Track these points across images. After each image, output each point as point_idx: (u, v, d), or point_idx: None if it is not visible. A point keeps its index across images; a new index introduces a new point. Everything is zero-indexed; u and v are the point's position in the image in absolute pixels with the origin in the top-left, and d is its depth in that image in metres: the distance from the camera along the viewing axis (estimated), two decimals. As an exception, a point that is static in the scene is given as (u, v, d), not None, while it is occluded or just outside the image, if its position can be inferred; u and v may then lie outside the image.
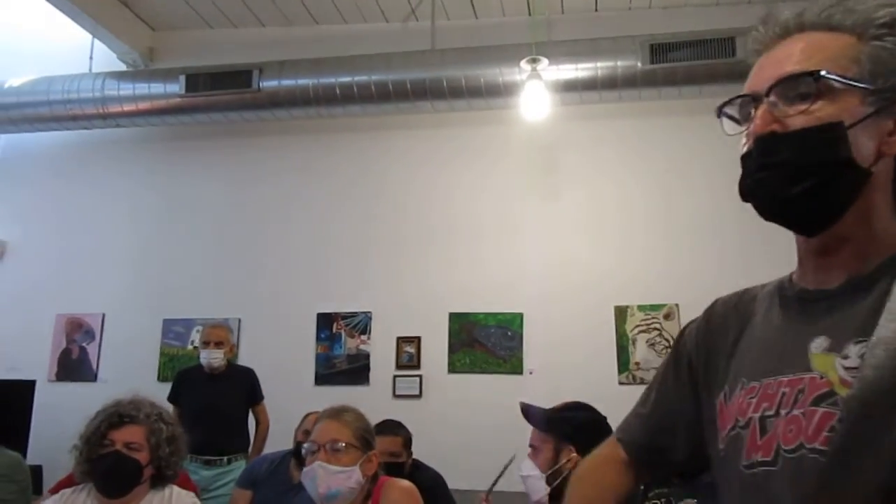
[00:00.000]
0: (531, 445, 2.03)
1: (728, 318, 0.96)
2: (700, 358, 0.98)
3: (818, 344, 0.80)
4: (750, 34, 0.90)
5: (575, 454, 1.95)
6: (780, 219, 0.85)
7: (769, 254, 4.52)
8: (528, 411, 2.07)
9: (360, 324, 4.96)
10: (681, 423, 1.00)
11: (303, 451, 2.01)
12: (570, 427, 2.00)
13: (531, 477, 1.98)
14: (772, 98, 0.82)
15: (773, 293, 0.92)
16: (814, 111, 0.79)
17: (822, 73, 0.79)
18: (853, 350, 0.76)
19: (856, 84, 0.79)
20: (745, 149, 0.86)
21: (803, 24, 0.85)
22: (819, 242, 0.84)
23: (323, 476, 1.89)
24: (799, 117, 0.80)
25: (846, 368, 0.75)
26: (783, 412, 0.79)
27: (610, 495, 1.06)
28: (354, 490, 1.93)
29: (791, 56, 0.82)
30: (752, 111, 0.84)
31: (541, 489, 1.95)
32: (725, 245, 4.56)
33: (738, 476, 0.83)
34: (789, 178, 0.80)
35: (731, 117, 0.89)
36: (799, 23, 0.85)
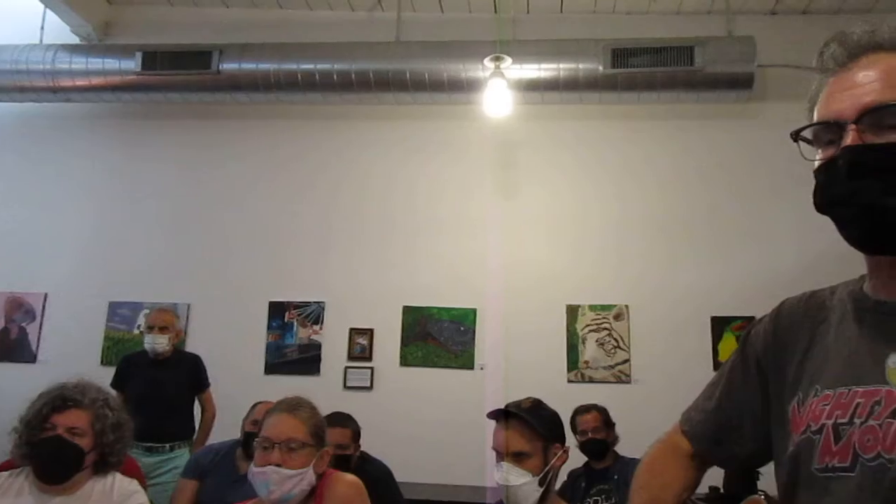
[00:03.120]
0: (519, 453, 1.91)
1: (796, 323, 0.97)
2: (769, 361, 0.99)
3: (895, 359, 0.82)
4: (820, 52, 0.89)
5: (562, 448, 1.96)
6: (866, 233, 0.84)
7: (718, 258, 4.64)
8: (513, 416, 2.00)
9: (313, 313, 4.93)
10: (747, 420, 1.02)
11: (254, 445, 1.92)
12: (554, 424, 2.00)
13: (525, 485, 1.89)
14: (861, 125, 0.82)
15: (846, 302, 0.93)
16: None
17: None
18: None
19: None
20: (824, 162, 0.86)
21: (878, 44, 0.85)
22: None
23: (276, 480, 1.80)
24: (892, 138, 0.81)
25: None
26: (857, 421, 0.82)
27: (675, 483, 1.09)
28: (306, 491, 1.88)
29: (872, 83, 0.82)
30: (835, 137, 0.85)
31: (534, 494, 1.91)
32: (676, 249, 4.67)
33: (808, 478, 0.86)
34: (882, 189, 0.80)
35: (807, 140, 0.89)
36: (873, 42, 0.85)
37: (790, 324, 0.98)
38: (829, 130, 0.86)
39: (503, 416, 1.97)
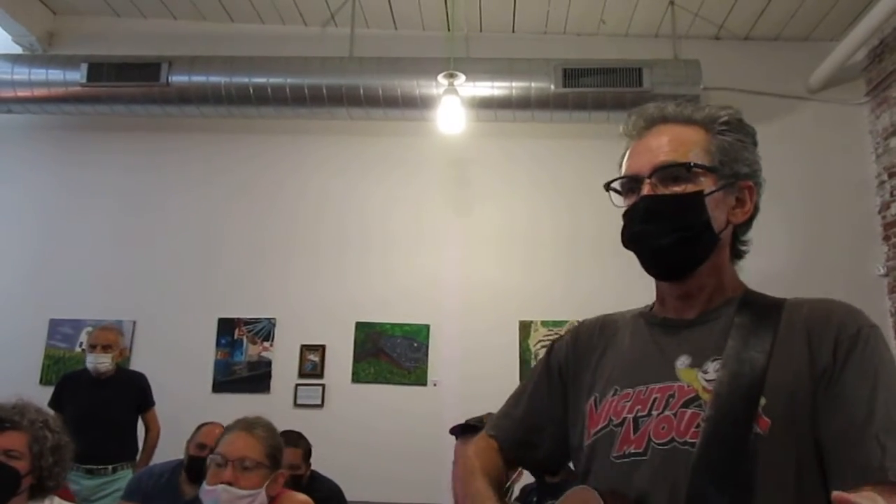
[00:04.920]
0: None
1: (592, 338, 1.16)
2: (569, 369, 1.16)
3: (682, 361, 1.01)
4: (624, 122, 1.11)
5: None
6: (653, 264, 1.07)
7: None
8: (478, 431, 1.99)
9: (263, 330, 4.85)
10: (549, 423, 1.16)
11: (207, 461, 1.89)
12: None
13: None
14: (653, 179, 1.04)
15: (637, 319, 1.14)
16: (685, 190, 1.03)
17: (692, 164, 1.03)
18: (710, 366, 0.98)
19: (711, 170, 1.03)
20: (627, 206, 1.08)
21: (666, 117, 1.08)
22: (683, 290, 1.07)
23: (226, 499, 1.78)
24: (675, 190, 1.03)
25: (706, 380, 0.97)
26: (655, 413, 0.98)
27: (499, 475, 1.20)
28: None
29: (662, 146, 1.05)
30: (636, 187, 1.06)
31: None
32: (627, 265, 4.72)
33: (608, 466, 1.01)
34: (665, 231, 1.02)
35: (616, 191, 1.11)
36: (662, 116, 1.08)
37: (588, 338, 1.17)
38: (631, 183, 1.08)
39: (466, 431, 1.96)
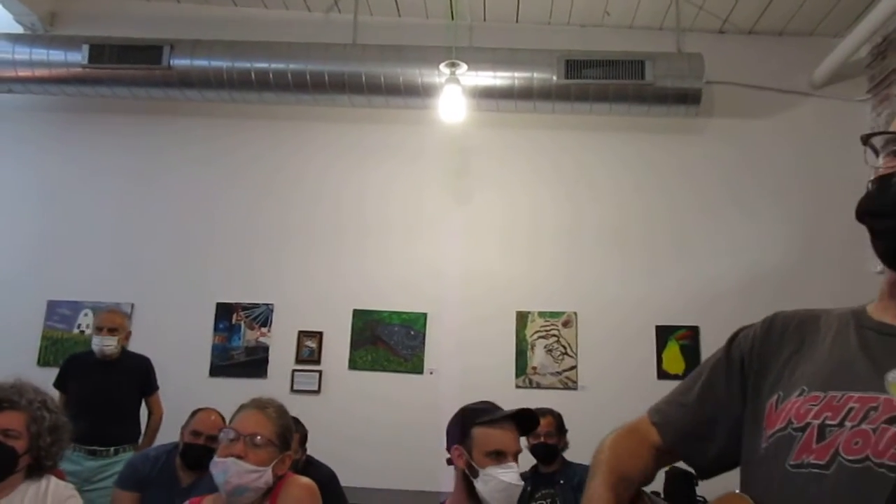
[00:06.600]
0: (517, 453, 1.98)
1: (788, 330, 1.00)
2: (753, 362, 1.01)
3: None
4: None
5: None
6: (893, 251, 0.87)
7: (664, 268, 4.75)
8: (531, 415, 2.04)
9: (261, 315, 4.86)
10: (723, 416, 1.02)
11: (220, 435, 1.95)
12: None
13: (521, 484, 1.96)
14: None
15: (847, 318, 0.96)
16: None
17: None
18: None
19: None
20: (882, 171, 0.88)
21: None
22: None
23: (235, 471, 1.84)
24: None
25: None
26: (848, 424, 0.83)
27: (638, 468, 1.06)
28: (262, 490, 1.90)
29: None
30: None
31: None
32: (627, 258, 4.76)
33: (781, 474, 0.87)
34: None
35: (873, 149, 0.90)
36: None
37: (783, 329, 1.01)
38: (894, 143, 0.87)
39: (517, 416, 2.03)
